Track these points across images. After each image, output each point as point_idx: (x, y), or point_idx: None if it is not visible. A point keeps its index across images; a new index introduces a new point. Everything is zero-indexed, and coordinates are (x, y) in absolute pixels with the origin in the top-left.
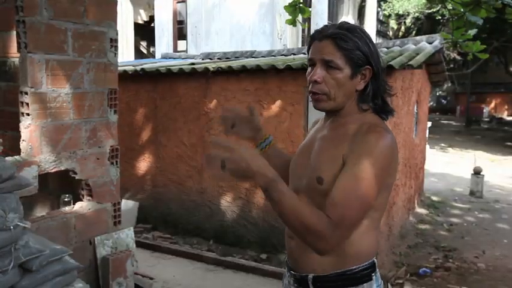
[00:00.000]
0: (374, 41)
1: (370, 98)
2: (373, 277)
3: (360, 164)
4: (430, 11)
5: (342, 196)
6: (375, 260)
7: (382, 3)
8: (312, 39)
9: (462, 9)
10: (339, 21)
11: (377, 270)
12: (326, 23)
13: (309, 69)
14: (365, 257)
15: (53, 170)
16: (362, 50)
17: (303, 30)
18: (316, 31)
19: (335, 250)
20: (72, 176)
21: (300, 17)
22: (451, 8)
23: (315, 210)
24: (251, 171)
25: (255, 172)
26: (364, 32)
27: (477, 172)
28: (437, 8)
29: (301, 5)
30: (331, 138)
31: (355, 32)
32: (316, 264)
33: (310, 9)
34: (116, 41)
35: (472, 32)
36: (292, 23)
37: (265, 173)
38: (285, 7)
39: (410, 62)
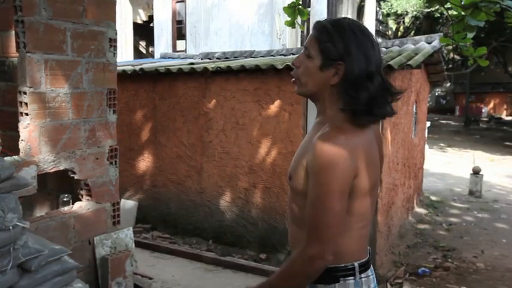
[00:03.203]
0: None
1: (342, 96)
2: (343, 281)
3: (314, 184)
4: (428, 10)
5: (312, 222)
6: (356, 264)
7: (381, 2)
8: None
9: (463, 13)
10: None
11: (358, 276)
12: None
13: None
14: (345, 258)
15: (52, 170)
16: (335, 44)
17: (302, 30)
18: (315, 22)
19: None
20: (71, 176)
21: (299, 19)
22: (449, 7)
23: (282, 266)
24: None
25: None
26: (354, 30)
27: (476, 172)
28: (436, 7)
29: (300, 6)
30: (307, 139)
31: (340, 27)
32: None
33: (309, 9)
34: (115, 40)
35: (470, 35)
36: (291, 24)
37: None
38: (284, 8)
39: (409, 62)
